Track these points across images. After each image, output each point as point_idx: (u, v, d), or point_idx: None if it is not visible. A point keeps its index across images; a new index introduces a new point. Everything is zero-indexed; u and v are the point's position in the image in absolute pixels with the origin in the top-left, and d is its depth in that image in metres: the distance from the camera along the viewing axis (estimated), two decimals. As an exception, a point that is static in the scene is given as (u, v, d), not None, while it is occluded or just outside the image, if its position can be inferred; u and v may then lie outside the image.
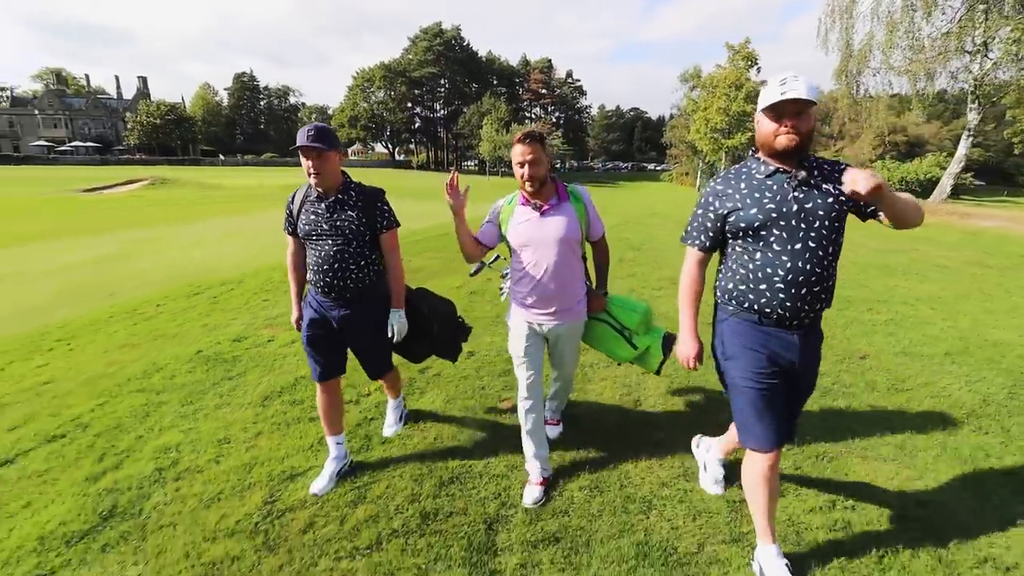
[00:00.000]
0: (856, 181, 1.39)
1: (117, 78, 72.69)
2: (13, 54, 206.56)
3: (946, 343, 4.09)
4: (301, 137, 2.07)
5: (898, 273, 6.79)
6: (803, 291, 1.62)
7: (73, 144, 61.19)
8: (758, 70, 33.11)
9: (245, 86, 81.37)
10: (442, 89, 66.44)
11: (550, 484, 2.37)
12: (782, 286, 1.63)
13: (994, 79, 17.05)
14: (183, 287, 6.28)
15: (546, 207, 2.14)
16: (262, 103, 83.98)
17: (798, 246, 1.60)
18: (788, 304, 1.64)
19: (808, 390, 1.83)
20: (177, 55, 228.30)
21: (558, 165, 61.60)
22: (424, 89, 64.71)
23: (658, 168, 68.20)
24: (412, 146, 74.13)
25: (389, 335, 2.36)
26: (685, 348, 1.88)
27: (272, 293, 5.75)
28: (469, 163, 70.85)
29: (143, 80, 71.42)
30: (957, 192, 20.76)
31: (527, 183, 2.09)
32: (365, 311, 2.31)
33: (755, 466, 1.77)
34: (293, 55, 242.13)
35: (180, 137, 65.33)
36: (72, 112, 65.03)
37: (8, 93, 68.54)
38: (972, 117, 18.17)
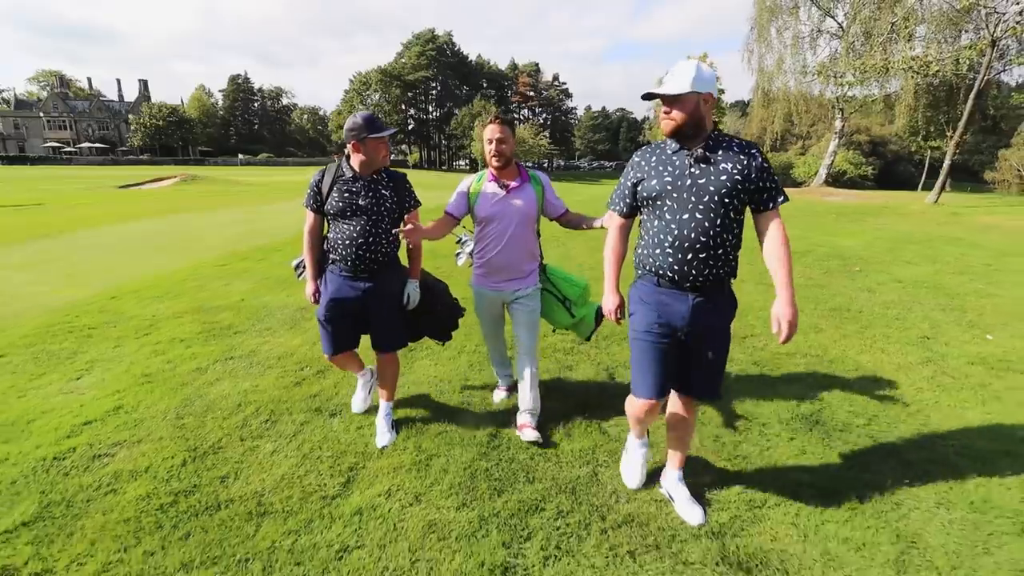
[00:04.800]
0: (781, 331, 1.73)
1: (119, 81, 75.76)
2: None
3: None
4: (380, 126, 2.27)
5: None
6: (688, 256, 1.79)
7: (80, 146, 63.89)
8: (717, 79, 38.34)
9: (240, 88, 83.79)
10: (434, 92, 70.09)
11: (539, 426, 2.60)
12: (671, 251, 1.81)
13: (851, 98, 24.50)
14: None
15: (512, 185, 2.40)
16: (256, 104, 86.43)
17: (685, 216, 1.78)
18: (676, 268, 1.82)
19: (717, 350, 1.92)
20: (165, 55, 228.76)
21: (545, 164, 65.46)
22: (417, 92, 68.19)
23: (641, 166, 71.80)
24: (406, 147, 77.57)
25: (404, 302, 2.51)
26: (607, 302, 2.07)
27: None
28: (461, 163, 74.66)
29: (144, 83, 74.31)
30: (859, 183, 28.60)
31: (494, 158, 2.34)
32: (387, 282, 2.46)
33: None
34: (282, 55, 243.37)
35: (181, 138, 68.26)
36: (76, 115, 67.60)
37: (12, 95, 70.78)
38: (838, 124, 25.73)
